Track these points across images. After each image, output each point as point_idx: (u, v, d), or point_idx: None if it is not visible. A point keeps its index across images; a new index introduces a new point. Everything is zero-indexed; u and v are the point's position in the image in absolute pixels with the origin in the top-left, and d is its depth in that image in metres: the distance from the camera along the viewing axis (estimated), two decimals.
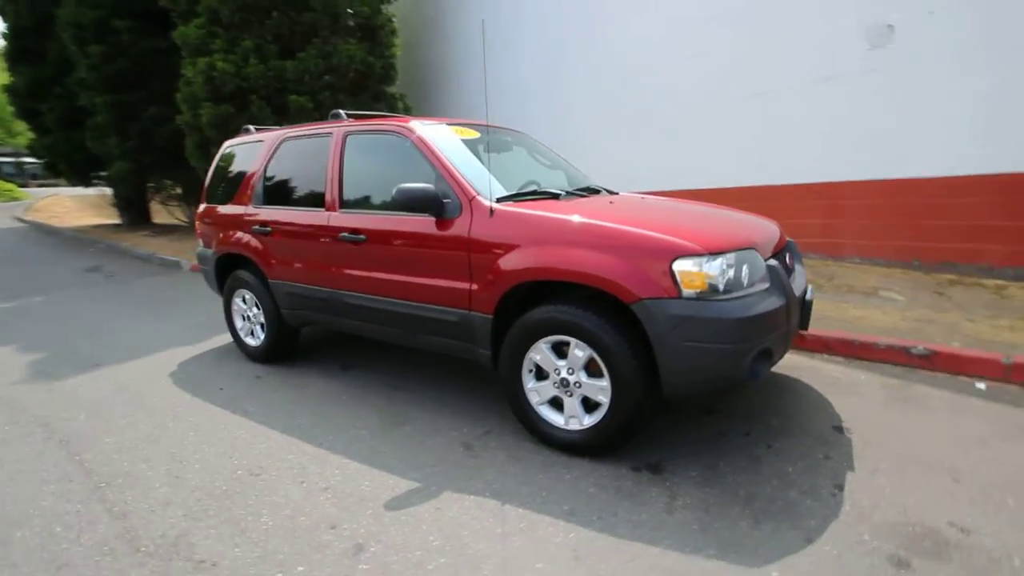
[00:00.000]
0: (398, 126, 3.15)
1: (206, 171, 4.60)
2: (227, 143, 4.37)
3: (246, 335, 4.16)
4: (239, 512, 2.23)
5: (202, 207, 4.42)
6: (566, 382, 2.50)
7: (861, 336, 3.68)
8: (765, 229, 2.85)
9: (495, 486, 2.34)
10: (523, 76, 9.64)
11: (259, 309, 3.96)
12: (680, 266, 2.17)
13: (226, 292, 4.18)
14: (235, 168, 4.20)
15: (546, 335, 2.50)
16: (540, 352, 2.55)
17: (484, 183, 2.82)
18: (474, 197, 2.74)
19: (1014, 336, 3.61)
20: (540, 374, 2.62)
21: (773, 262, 2.49)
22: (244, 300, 4.09)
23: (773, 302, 2.32)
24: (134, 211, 13.75)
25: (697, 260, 2.18)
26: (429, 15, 12.18)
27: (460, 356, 3.04)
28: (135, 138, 11.00)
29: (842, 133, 5.66)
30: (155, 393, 3.60)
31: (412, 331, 3.10)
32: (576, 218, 2.48)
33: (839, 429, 2.70)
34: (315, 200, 3.49)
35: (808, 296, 2.79)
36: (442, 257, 2.82)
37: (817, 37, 5.62)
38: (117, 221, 14.03)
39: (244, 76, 8.86)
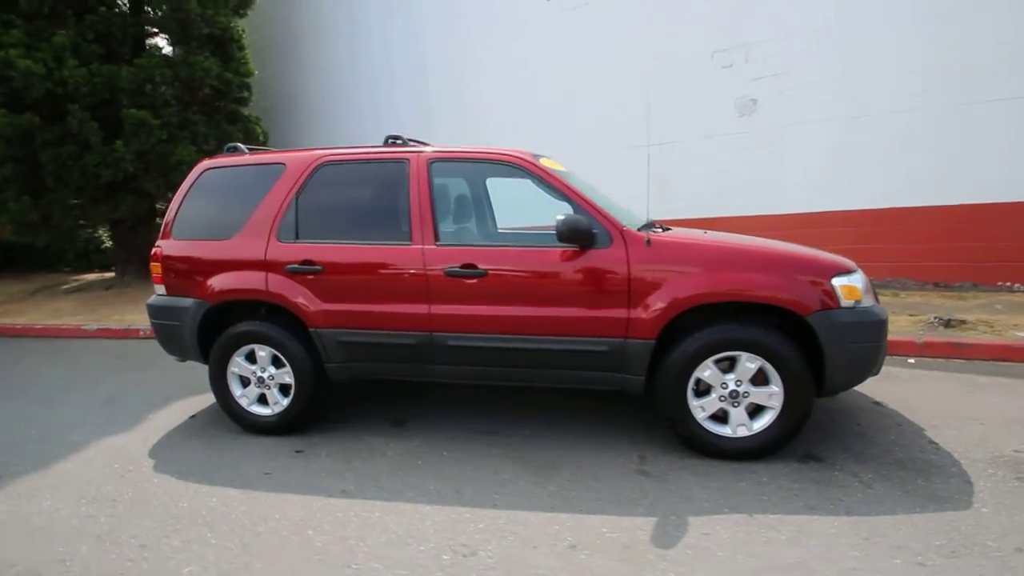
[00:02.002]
0: (514, 156, 3.02)
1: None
2: (204, 164, 3.45)
3: (252, 403, 3.30)
4: None
5: (165, 244, 3.37)
6: (735, 394, 2.74)
7: None
8: None
9: (720, 501, 2.42)
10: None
11: (279, 367, 3.21)
12: (838, 281, 2.65)
13: (219, 351, 3.25)
14: (229, 196, 3.35)
15: (716, 352, 2.71)
16: (708, 369, 2.74)
17: (621, 214, 2.92)
18: (624, 228, 2.82)
19: None
20: (700, 391, 2.81)
21: None
22: (252, 359, 3.25)
23: (884, 308, 2.95)
24: None
25: (848, 276, 2.68)
26: (283, 39, 11.14)
27: (592, 387, 3.02)
28: None
29: (722, 177, 7.17)
30: (182, 499, 2.64)
31: (544, 367, 2.95)
32: (734, 244, 2.79)
33: (878, 403, 3.51)
34: (390, 233, 3.06)
35: None
36: (593, 288, 2.80)
37: (704, 106, 7.06)
38: None
39: (59, 80, 6.81)
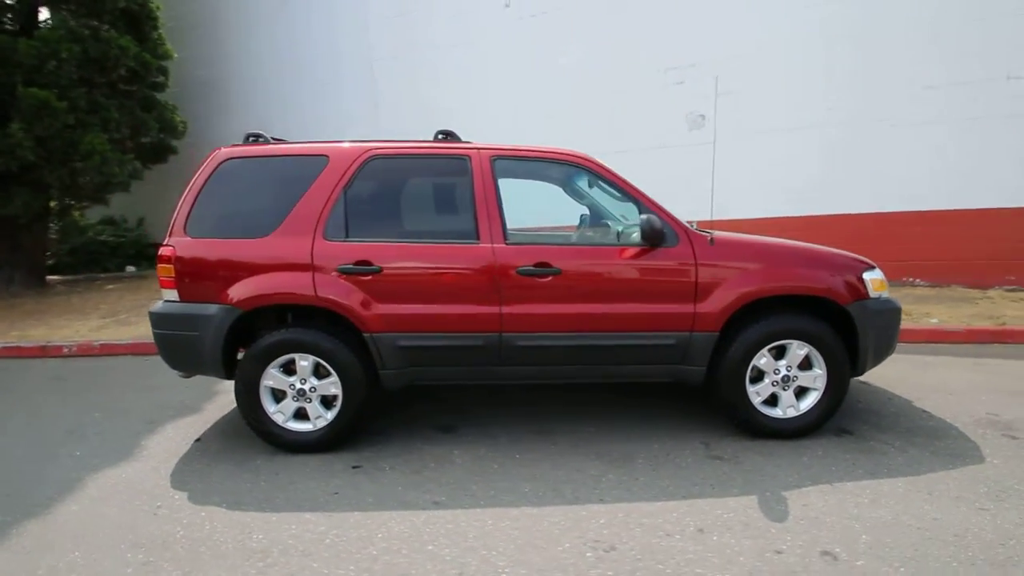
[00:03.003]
0: (579, 156, 3.05)
1: None
2: (223, 153, 3.04)
3: (288, 419, 2.98)
4: None
5: (179, 244, 2.92)
6: (786, 378, 3.01)
7: None
8: None
9: (796, 476, 2.64)
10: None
11: (321, 379, 2.94)
12: (868, 275, 3.03)
13: (251, 363, 2.90)
14: (258, 189, 3.00)
15: (772, 341, 2.96)
16: (764, 357, 2.99)
17: (678, 214, 3.08)
18: (688, 228, 2.99)
19: None
20: (753, 377, 3.04)
21: None
22: (289, 370, 2.93)
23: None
24: None
25: (874, 271, 3.08)
26: (197, 20, 10.08)
27: (653, 380, 3.15)
28: None
29: (672, 186, 7.71)
30: (253, 531, 2.34)
31: (611, 363, 3.02)
32: (781, 244, 3.07)
33: (864, 382, 4.02)
34: (454, 231, 2.95)
35: None
36: (664, 284, 2.94)
37: (657, 119, 7.56)
38: None
39: None
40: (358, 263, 2.88)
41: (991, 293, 6.64)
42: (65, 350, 5.24)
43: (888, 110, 6.86)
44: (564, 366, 3.04)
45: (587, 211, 3.74)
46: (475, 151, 3.04)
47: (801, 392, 3.06)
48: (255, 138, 3.14)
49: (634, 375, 3.10)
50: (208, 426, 3.47)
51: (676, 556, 2.08)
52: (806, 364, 3.02)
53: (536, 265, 2.90)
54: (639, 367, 3.05)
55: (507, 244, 2.93)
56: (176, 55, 8.43)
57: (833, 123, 7.02)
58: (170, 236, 2.97)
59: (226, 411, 3.72)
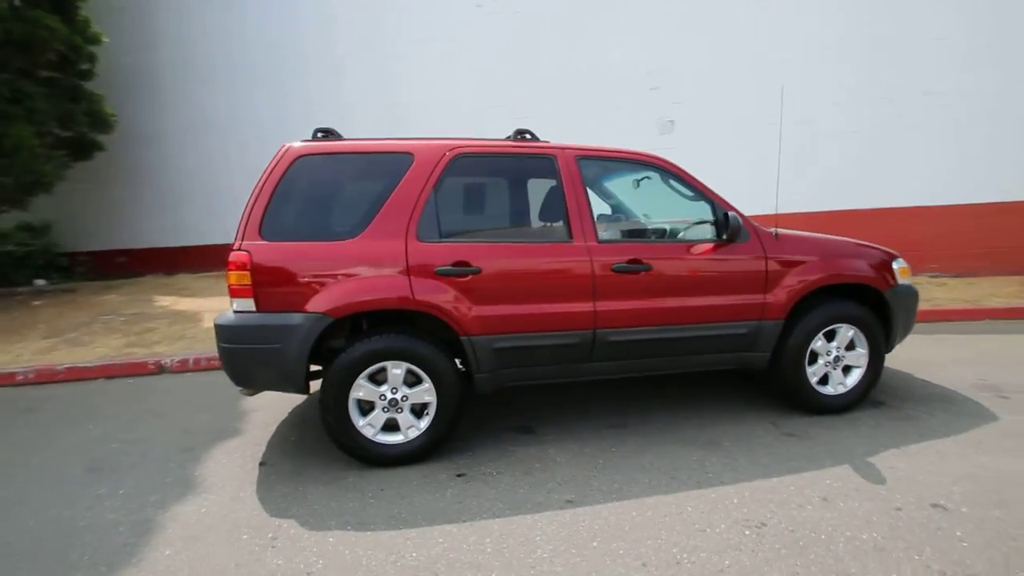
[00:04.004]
0: (656, 157, 3.16)
1: None
2: (295, 150, 2.78)
3: (378, 431, 2.81)
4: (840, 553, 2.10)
5: (255, 248, 2.64)
6: (837, 359, 3.34)
7: None
8: None
9: (867, 445, 2.94)
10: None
11: (412, 387, 2.82)
12: (896, 264, 3.45)
13: (341, 374, 2.70)
14: (339, 189, 2.80)
15: (827, 326, 3.28)
16: (819, 340, 3.29)
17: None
18: (755, 224, 3.22)
19: None
20: (810, 360, 3.34)
21: None
22: (377, 380, 2.77)
23: None
24: None
25: (899, 260, 3.50)
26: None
27: (724, 367, 3.34)
28: None
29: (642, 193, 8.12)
30: (401, 549, 2.21)
31: (690, 353, 3.18)
32: (830, 238, 3.40)
33: None
34: (546, 231, 2.95)
35: None
36: (740, 277, 3.15)
37: (626, 124, 7.89)
38: None
39: None
40: (457, 264, 2.79)
41: (919, 279, 7.72)
42: (20, 377, 4.46)
43: (819, 122, 7.73)
44: (647, 359, 3.15)
45: (609, 210, 3.90)
46: (559, 150, 3.06)
47: (847, 370, 3.42)
48: (324, 134, 2.92)
49: (706, 364, 3.28)
50: (262, 447, 3.16)
51: (821, 524, 2.26)
52: (851, 345, 3.39)
53: (629, 262, 2.99)
54: (713, 356, 3.24)
55: (599, 242, 2.99)
56: (107, 39, 7.46)
57: (776, 133, 7.76)
58: (242, 240, 2.68)
59: (270, 429, 3.41)
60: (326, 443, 3.13)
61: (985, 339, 5.13)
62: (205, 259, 9.80)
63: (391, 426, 2.85)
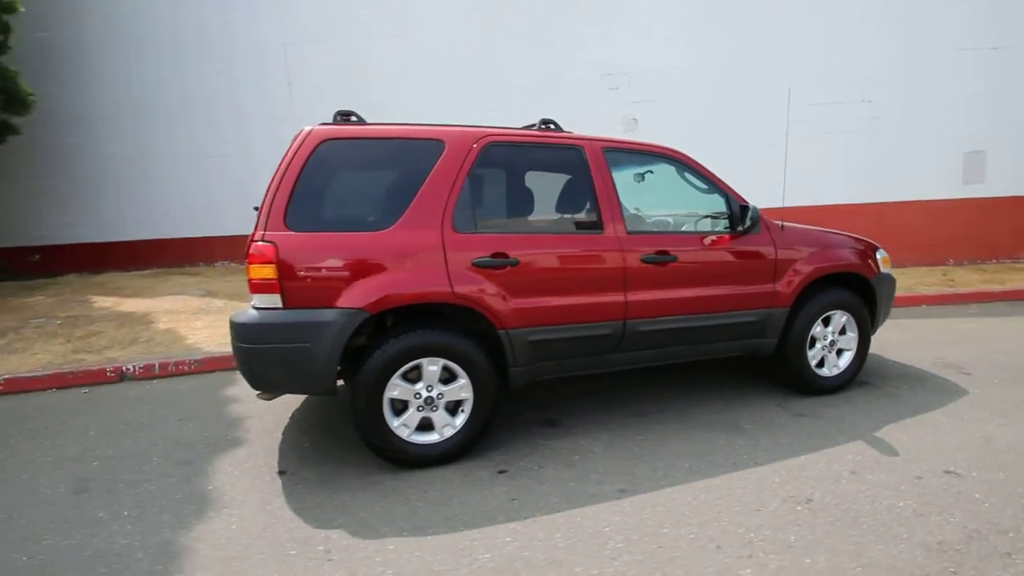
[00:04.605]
0: (668, 149, 3.23)
1: None
2: (319, 133, 2.56)
3: (412, 431, 2.67)
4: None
5: (281, 239, 2.40)
6: (832, 343, 3.58)
7: None
8: None
9: (871, 422, 3.17)
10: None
11: (447, 384, 2.71)
12: (879, 255, 3.74)
13: (376, 373, 2.53)
14: (368, 176, 2.62)
15: (824, 313, 3.50)
16: (818, 326, 3.51)
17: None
18: (764, 216, 3.35)
19: None
20: (810, 344, 3.55)
21: None
22: (413, 378, 2.64)
23: None
24: None
25: (882, 251, 3.80)
26: None
27: (736, 354, 3.47)
28: None
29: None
30: (470, 552, 2.13)
31: (709, 341, 3.28)
32: (826, 230, 3.61)
33: None
34: (579, 221, 2.93)
35: None
36: (753, 267, 3.29)
37: (592, 121, 7.99)
38: None
39: None
40: (495, 255, 2.70)
41: None
42: None
43: (774, 130, 8.25)
44: (670, 348, 3.22)
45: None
46: (586, 141, 3.05)
47: (839, 353, 3.67)
48: (345, 117, 2.72)
49: (720, 351, 3.41)
50: (274, 456, 2.91)
51: (860, 496, 2.41)
52: (843, 330, 3.64)
53: (657, 253, 3.03)
54: (729, 343, 3.37)
55: (628, 233, 3.01)
56: (22, 8, 6.54)
57: (733, 134, 8.21)
58: (264, 230, 2.44)
59: (274, 437, 3.16)
60: (345, 448, 2.95)
61: (927, 323, 5.70)
62: (138, 256, 8.94)
63: (425, 426, 2.73)
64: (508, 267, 2.73)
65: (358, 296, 2.50)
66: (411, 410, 2.68)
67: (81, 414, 3.64)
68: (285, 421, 3.37)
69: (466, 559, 2.05)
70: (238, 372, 4.23)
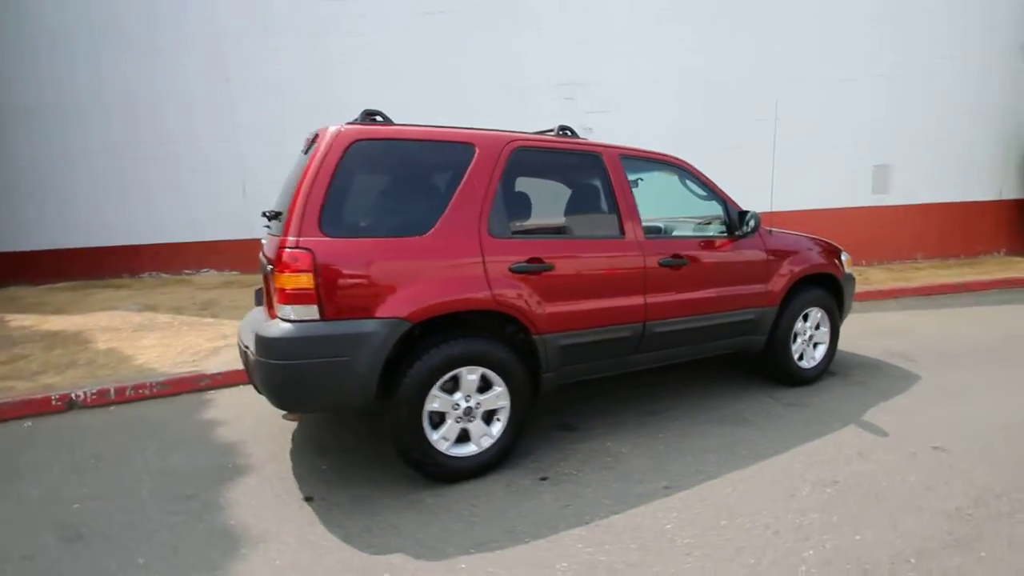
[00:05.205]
0: (674, 158, 3.37)
1: None
2: (350, 133, 2.40)
3: (452, 444, 2.57)
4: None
5: (317, 244, 2.21)
6: (811, 338, 3.90)
7: None
8: None
9: (857, 407, 3.48)
10: None
11: (483, 393, 2.64)
12: (844, 257, 4.13)
13: (418, 384, 2.41)
14: (403, 178, 2.49)
15: (804, 310, 3.80)
16: (800, 322, 3.80)
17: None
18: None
19: None
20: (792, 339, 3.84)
21: None
22: (449, 387, 2.55)
23: None
24: None
25: (845, 253, 4.19)
26: None
27: (732, 351, 3.67)
28: None
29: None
30: (559, 560, 2.03)
31: (712, 339, 3.46)
32: (801, 234, 3.92)
33: None
34: (602, 227, 2.98)
35: None
36: (750, 269, 3.51)
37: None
38: None
39: None
40: (531, 260, 2.67)
41: None
42: None
43: (707, 141, 8.87)
44: (680, 347, 3.35)
45: None
46: (604, 148, 3.11)
47: (815, 347, 4.00)
48: (373, 116, 2.58)
49: (720, 349, 3.59)
50: (291, 482, 2.68)
51: (875, 475, 2.65)
52: (817, 325, 3.98)
53: (672, 256, 3.15)
54: (727, 341, 3.56)
55: (646, 238, 3.10)
56: None
57: (675, 145, 8.71)
58: (297, 235, 2.25)
59: (283, 461, 2.90)
60: (368, 467, 2.79)
61: (861, 318, 6.30)
62: (44, 268, 7.86)
63: (461, 438, 2.64)
64: (543, 272, 2.72)
65: (400, 304, 2.37)
66: (449, 422, 2.58)
67: (31, 450, 3.13)
68: (288, 445, 3.12)
69: (545, 570, 2.01)
70: (206, 394, 3.94)
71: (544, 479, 2.68)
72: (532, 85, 8.18)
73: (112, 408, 3.75)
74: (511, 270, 2.64)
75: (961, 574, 1.95)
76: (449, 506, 2.45)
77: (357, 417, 3.41)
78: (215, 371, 4.15)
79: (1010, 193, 9.54)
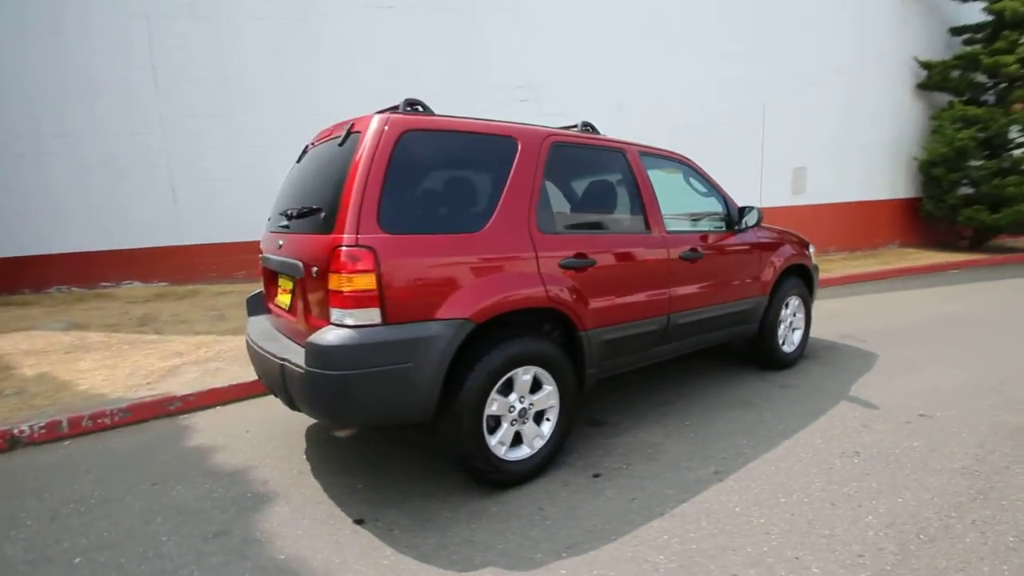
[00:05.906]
0: (681, 156, 3.49)
1: None
2: (399, 123, 2.23)
3: (508, 448, 2.48)
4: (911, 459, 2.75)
5: (378, 242, 2.01)
6: (792, 323, 4.22)
7: None
8: None
9: (843, 386, 3.81)
10: None
11: (534, 394, 2.57)
12: (811, 249, 4.50)
13: (479, 389, 2.29)
14: (454, 172, 2.35)
15: (787, 298, 4.10)
16: (784, 310, 4.09)
17: None
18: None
19: None
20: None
21: None
22: (505, 390, 2.46)
23: None
24: None
25: (811, 246, 4.57)
26: None
27: (732, 339, 3.86)
28: None
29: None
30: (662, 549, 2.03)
31: (719, 329, 3.63)
32: (783, 229, 4.22)
33: None
34: (631, 222, 3.02)
35: None
36: (749, 260, 3.73)
37: None
38: None
39: None
40: (578, 255, 2.64)
41: None
42: None
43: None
44: (694, 337, 3.48)
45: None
46: (626, 145, 3.16)
47: (794, 332, 4.34)
48: (413, 106, 2.41)
49: (722, 338, 3.77)
50: (327, 506, 2.43)
51: (884, 443, 2.91)
52: (794, 312, 4.32)
53: (691, 250, 3.26)
54: (729, 330, 3.75)
55: (668, 233, 3.18)
56: None
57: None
58: (356, 232, 2.04)
59: (307, 484, 2.63)
60: (411, 481, 2.63)
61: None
62: None
63: (515, 441, 2.55)
64: (589, 267, 2.71)
65: (463, 304, 2.24)
66: (505, 425, 2.48)
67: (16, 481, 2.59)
68: (306, 466, 2.83)
69: (645, 565, 1.99)
70: (179, 418, 3.52)
71: (597, 476, 2.66)
72: (488, 85, 8.12)
73: (67, 443, 3.20)
74: (561, 266, 2.60)
75: (998, 521, 2.20)
76: (516, 512, 2.36)
77: (374, 430, 3.18)
78: (186, 392, 3.68)
79: (901, 192, 10.98)
